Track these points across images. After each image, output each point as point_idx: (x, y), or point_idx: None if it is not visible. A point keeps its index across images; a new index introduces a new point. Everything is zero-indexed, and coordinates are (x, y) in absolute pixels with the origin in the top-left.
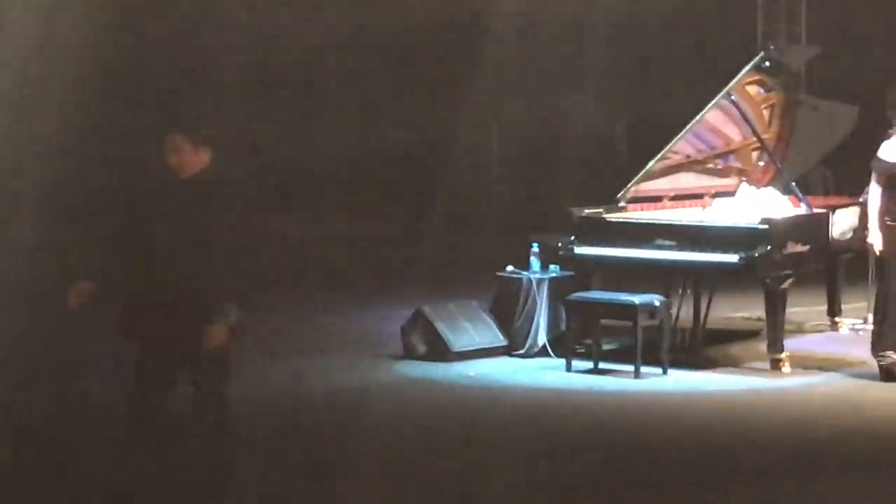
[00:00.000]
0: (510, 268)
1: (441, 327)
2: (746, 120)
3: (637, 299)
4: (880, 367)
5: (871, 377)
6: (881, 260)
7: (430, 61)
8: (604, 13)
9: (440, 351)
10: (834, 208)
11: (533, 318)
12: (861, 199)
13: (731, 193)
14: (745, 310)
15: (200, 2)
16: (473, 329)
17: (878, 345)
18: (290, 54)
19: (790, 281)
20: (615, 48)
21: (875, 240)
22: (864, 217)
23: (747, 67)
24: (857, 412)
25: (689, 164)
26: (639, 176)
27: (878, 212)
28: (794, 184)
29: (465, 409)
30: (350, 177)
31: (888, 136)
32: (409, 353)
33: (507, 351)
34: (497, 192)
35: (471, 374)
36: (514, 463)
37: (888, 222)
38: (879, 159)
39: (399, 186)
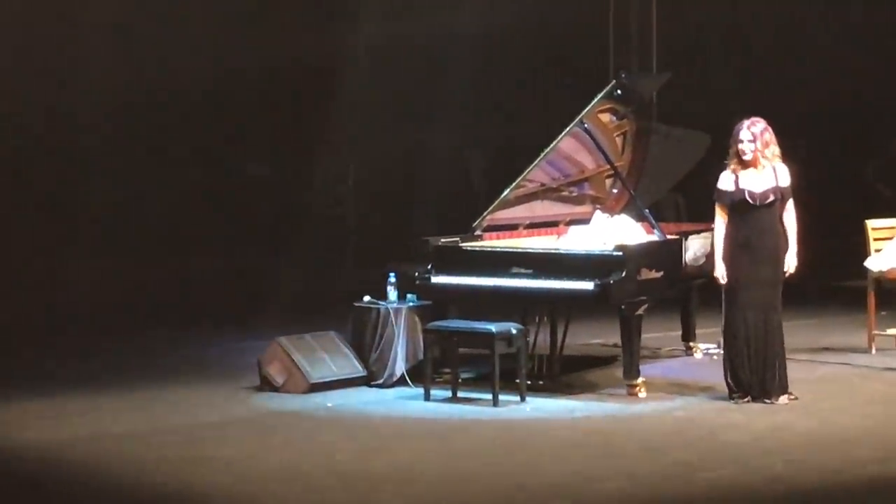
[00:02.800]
0: (367, 298)
1: (298, 359)
2: (599, 148)
3: (494, 327)
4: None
5: (726, 400)
6: (729, 288)
7: (287, 96)
8: (461, 47)
9: (297, 382)
10: (686, 234)
11: (391, 348)
12: (713, 226)
13: (585, 221)
14: (601, 336)
15: None
16: (331, 360)
17: (730, 379)
18: (156, 96)
19: (645, 307)
20: (472, 79)
21: (720, 272)
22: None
23: (600, 95)
24: (713, 436)
25: (543, 192)
26: (494, 204)
27: (722, 243)
28: (647, 211)
29: (323, 440)
30: (207, 210)
31: (725, 167)
32: (267, 386)
33: (366, 381)
34: (355, 224)
35: (329, 405)
36: (374, 493)
37: (735, 248)
38: (719, 189)
39: (257, 219)
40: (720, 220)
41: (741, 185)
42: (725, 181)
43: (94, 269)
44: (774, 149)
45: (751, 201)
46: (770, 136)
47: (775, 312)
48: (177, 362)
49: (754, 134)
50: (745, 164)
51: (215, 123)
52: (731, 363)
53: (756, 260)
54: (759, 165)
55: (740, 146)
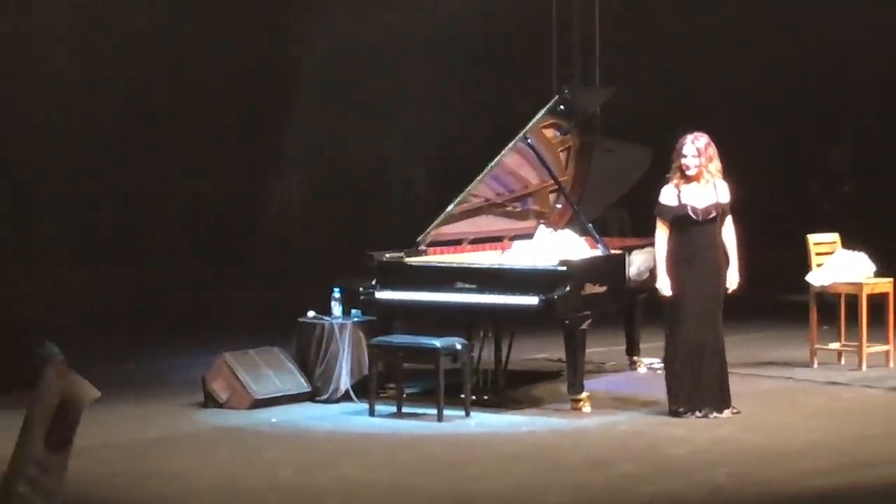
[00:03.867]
0: (312, 313)
1: (242, 374)
2: (543, 163)
3: (438, 342)
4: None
5: (669, 414)
6: (672, 302)
7: (232, 108)
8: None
9: (242, 398)
10: (630, 249)
11: (335, 364)
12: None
13: (529, 235)
14: (546, 351)
15: None
16: (276, 376)
17: (673, 393)
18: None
19: (589, 321)
20: (415, 94)
21: (663, 285)
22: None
23: (543, 111)
24: (656, 449)
25: (488, 207)
26: (438, 219)
27: (665, 257)
28: (590, 225)
29: (267, 456)
30: (150, 223)
31: (667, 181)
32: (211, 401)
33: (311, 397)
34: (299, 238)
35: (273, 420)
36: None
37: (677, 263)
38: (661, 204)
39: (200, 233)
40: (661, 235)
41: (683, 201)
42: (667, 196)
43: (41, 278)
44: (717, 164)
45: (693, 216)
46: (713, 150)
47: (717, 327)
48: (121, 377)
49: (698, 149)
50: (687, 179)
51: (165, 135)
52: (673, 377)
53: (698, 275)
54: (703, 180)
55: (684, 161)
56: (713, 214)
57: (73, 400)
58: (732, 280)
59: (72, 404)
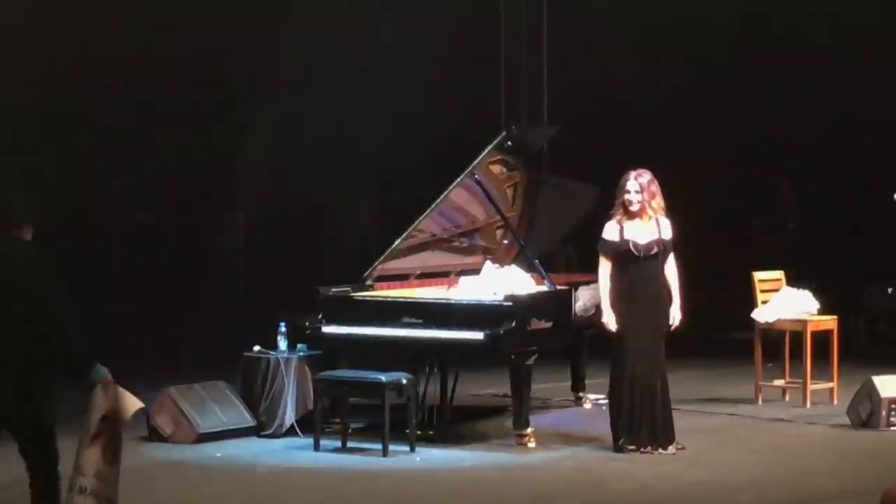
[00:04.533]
0: (257, 347)
1: (187, 409)
2: (490, 199)
3: (384, 377)
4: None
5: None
6: (616, 338)
7: (175, 134)
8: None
9: (186, 432)
10: (576, 285)
11: (280, 398)
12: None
13: (476, 271)
14: (491, 387)
15: None
16: (220, 410)
17: (617, 428)
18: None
19: (534, 357)
20: (364, 129)
21: (609, 319)
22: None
23: (490, 147)
24: (601, 485)
25: (435, 243)
26: (385, 254)
27: (608, 292)
28: (537, 261)
29: (212, 491)
30: (92, 259)
31: (610, 217)
32: (155, 436)
33: (256, 431)
34: (245, 273)
35: (218, 455)
36: None
37: (621, 299)
38: (604, 240)
39: (145, 268)
40: (605, 270)
41: (626, 236)
42: (610, 231)
43: None
44: (660, 200)
45: (635, 252)
46: (656, 187)
47: (661, 363)
48: (65, 410)
49: (641, 185)
50: (630, 216)
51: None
52: (618, 413)
53: (640, 311)
54: (646, 216)
55: (627, 196)
56: (655, 251)
57: (117, 413)
58: (675, 317)
59: (117, 417)
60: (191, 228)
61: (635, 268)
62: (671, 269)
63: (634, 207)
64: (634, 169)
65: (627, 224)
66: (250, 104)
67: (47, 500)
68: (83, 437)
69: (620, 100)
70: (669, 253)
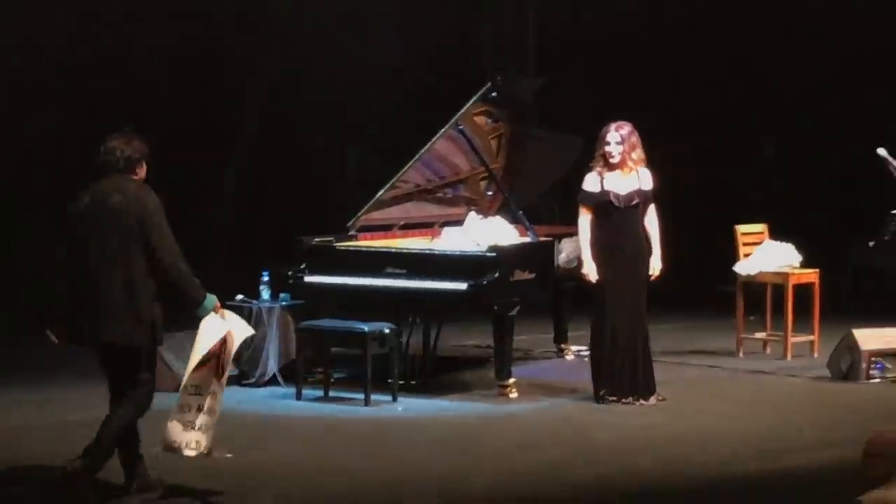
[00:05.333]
0: (240, 296)
1: (169, 357)
2: (474, 150)
3: (367, 327)
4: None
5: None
6: (596, 289)
7: (166, 86)
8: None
9: (167, 381)
10: (559, 237)
11: (263, 347)
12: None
13: (460, 222)
14: (474, 338)
15: None
16: None
17: (598, 380)
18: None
19: (517, 308)
20: (348, 80)
21: (590, 269)
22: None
23: (475, 98)
24: (582, 435)
25: (418, 193)
26: (369, 205)
27: (589, 243)
28: (521, 213)
29: None
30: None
31: (590, 169)
32: None
33: (238, 380)
34: (228, 221)
35: None
36: (244, 490)
37: (601, 250)
38: (584, 191)
39: None
40: (585, 221)
41: (606, 187)
42: (590, 183)
43: None
44: (640, 152)
45: (616, 203)
46: (636, 139)
47: (641, 314)
48: (46, 362)
49: (622, 136)
50: (610, 167)
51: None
52: (599, 364)
53: (621, 262)
54: (626, 168)
55: (607, 148)
56: (635, 201)
57: (231, 337)
58: (655, 267)
59: (230, 340)
60: (178, 176)
61: (616, 219)
62: (651, 220)
63: (615, 159)
64: (615, 121)
65: (608, 175)
66: (243, 55)
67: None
68: (192, 359)
69: (606, 50)
70: (650, 204)
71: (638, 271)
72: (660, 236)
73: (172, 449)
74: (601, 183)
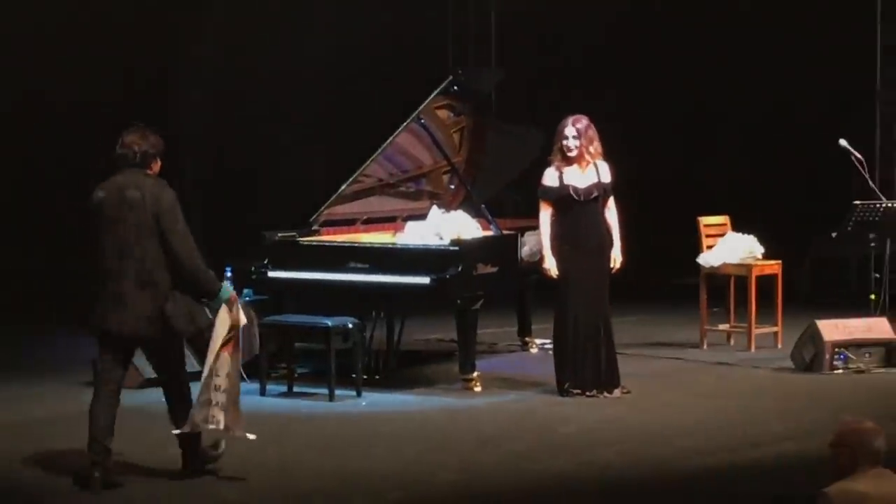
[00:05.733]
0: None
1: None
2: (436, 143)
3: (330, 322)
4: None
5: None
6: (559, 283)
7: (125, 84)
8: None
9: (131, 377)
10: (523, 230)
11: None
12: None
13: (423, 216)
14: (438, 331)
15: None
16: None
17: (562, 372)
18: None
19: (481, 302)
20: (309, 73)
21: (550, 264)
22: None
23: (436, 91)
24: (546, 429)
25: (381, 188)
26: (331, 199)
27: (549, 237)
28: (483, 206)
29: (157, 434)
30: (42, 203)
31: (549, 163)
32: None
33: (201, 376)
34: (192, 216)
35: (162, 399)
36: (206, 485)
37: (562, 244)
38: (544, 185)
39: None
40: (545, 215)
41: (565, 181)
42: (549, 177)
43: None
44: (597, 145)
45: (575, 197)
46: (593, 132)
47: (604, 307)
48: (9, 359)
49: (579, 130)
50: (568, 161)
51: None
52: (562, 357)
53: (583, 255)
54: (584, 162)
55: (565, 143)
56: (595, 194)
57: (238, 324)
58: (616, 259)
59: (238, 327)
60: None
61: (576, 212)
62: (611, 213)
63: (573, 153)
64: (572, 114)
65: (566, 169)
66: (193, 43)
67: (184, 402)
68: (212, 345)
69: (565, 43)
70: (609, 196)
71: (599, 264)
72: (620, 228)
73: (195, 426)
74: (560, 177)
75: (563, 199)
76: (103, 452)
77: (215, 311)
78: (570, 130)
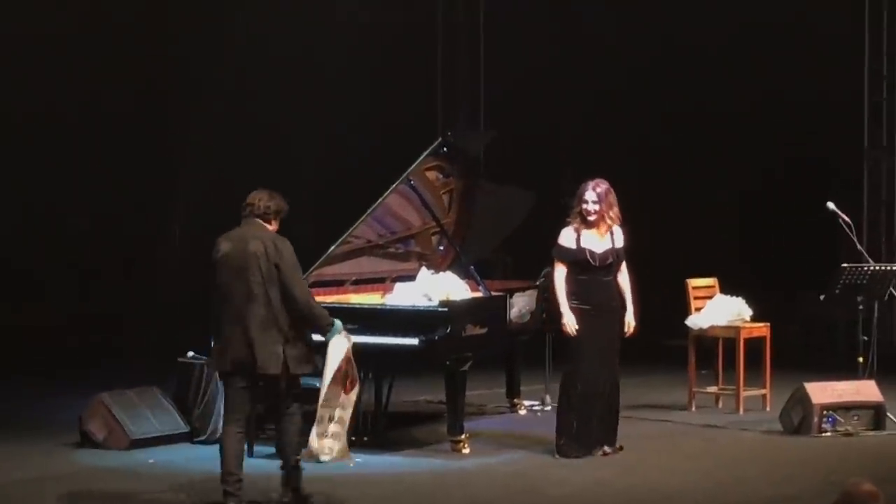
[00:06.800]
0: (191, 353)
1: (120, 414)
2: (426, 205)
3: (319, 383)
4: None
5: (550, 456)
6: (570, 342)
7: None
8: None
9: (119, 438)
10: (511, 292)
11: (214, 404)
12: (538, 283)
13: (412, 277)
14: (427, 393)
15: None
16: (153, 416)
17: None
18: None
19: (469, 363)
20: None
21: (569, 319)
22: (539, 299)
23: (426, 153)
24: (535, 491)
25: (370, 249)
26: (321, 260)
27: (564, 294)
28: (472, 267)
29: (144, 497)
30: (26, 260)
31: (567, 224)
32: (88, 442)
33: (189, 437)
34: (177, 276)
35: (151, 461)
36: None
37: (576, 305)
38: (561, 246)
39: (78, 272)
40: (560, 274)
41: (583, 245)
42: (567, 238)
43: None
44: (616, 210)
45: (592, 262)
46: (613, 198)
47: (614, 370)
48: None
49: (599, 195)
50: (587, 225)
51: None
52: (565, 416)
53: (596, 319)
54: (603, 226)
55: (585, 206)
56: (610, 260)
57: (350, 353)
58: (630, 323)
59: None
60: (128, 237)
61: (591, 276)
62: (624, 278)
63: (592, 217)
64: (592, 179)
65: (584, 233)
66: (185, 115)
67: (297, 436)
68: (325, 377)
69: (556, 105)
70: (622, 261)
71: (611, 327)
72: (632, 293)
73: (312, 456)
74: (577, 240)
75: (580, 263)
76: (236, 483)
77: (325, 352)
78: (590, 195)
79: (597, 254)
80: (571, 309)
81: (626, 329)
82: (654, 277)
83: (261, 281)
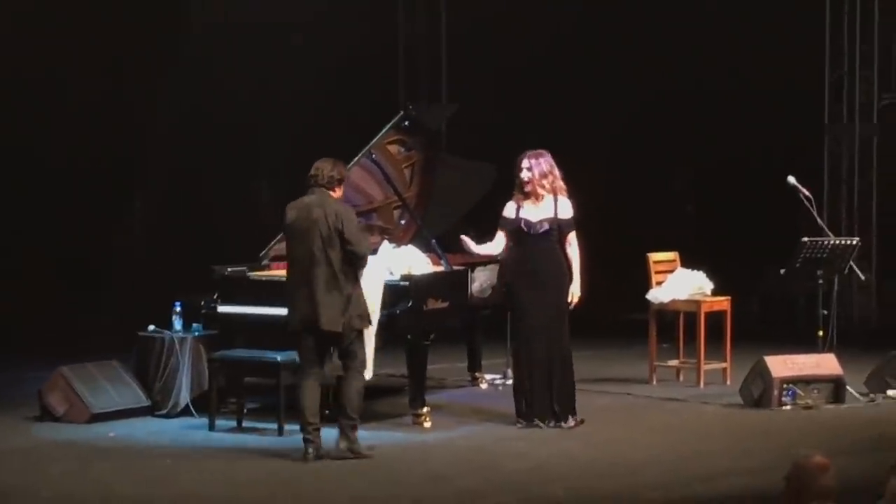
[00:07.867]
0: (152, 327)
1: (80, 388)
2: (387, 179)
3: (279, 357)
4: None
5: (511, 427)
6: (514, 314)
7: (70, 118)
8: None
9: (79, 412)
10: (473, 265)
11: (175, 378)
12: (499, 257)
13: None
14: (388, 366)
15: None
16: (114, 389)
17: (518, 401)
18: None
19: (431, 337)
20: (260, 109)
21: (465, 239)
22: (502, 274)
23: (387, 127)
24: (496, 464)
25: None
26: (281, 234)
27: (507, 264)
28: (434, 241)
29: (104, 470)
30: None
31: (512, 196)
32: (47, 415)
33: (150, 411)
34: (139, 250)
35: (111, 434)
36: None
37: (514, 270)
38: (502, 217)
39: (37, 248)
40: (501, 243)
41: (520, 214)
42: (508, 209)
43: None
44: (552, 180)
45: (525, 229)
46: (549, 167)
47: (562, 339)
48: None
49: (532, 164)
50: (526, 195)
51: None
52: (520, 388)
53: (538, 288)
54: (537, 196)
55: (520, 176)
56: (545, 228)
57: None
58: (574, 293)
59: None
60: (90, 209)
61: (528, 244)
62: (573, 248)
63: (528, 188)
64: (532, 150)
65: (525, 203)
66: (152, 87)
67: (357, 394)
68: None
69: (520, 79)
70: (568, 232)
71: (554, 298)
72: (581, 264)
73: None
74: (517, 210)
75: (516, 232)
76: (315, 432)
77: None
78: (524, 164)
79: (532, 222)
80: (514, 280)
81: (570, 299)
82: (615, 251)
83: (321, 246)
